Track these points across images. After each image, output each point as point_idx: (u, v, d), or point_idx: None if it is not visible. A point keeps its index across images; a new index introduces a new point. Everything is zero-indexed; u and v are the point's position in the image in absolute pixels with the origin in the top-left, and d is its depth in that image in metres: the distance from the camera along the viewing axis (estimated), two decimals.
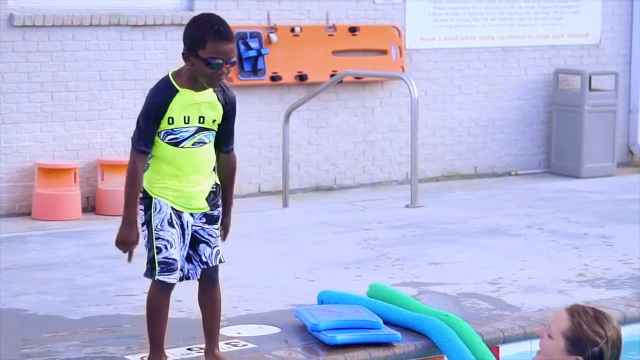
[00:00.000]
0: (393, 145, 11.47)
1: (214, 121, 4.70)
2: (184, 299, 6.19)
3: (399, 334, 5.38)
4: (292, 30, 10.83)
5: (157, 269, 4.72)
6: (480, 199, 9.68)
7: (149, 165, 4.74)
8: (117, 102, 10.04)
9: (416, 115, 9.30)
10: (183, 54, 4.63)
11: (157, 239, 4.70)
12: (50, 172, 9.59)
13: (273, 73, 10.69)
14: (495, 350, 5.47)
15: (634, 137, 12.86)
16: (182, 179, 4.70)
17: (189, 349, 5.23)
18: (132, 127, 10.61)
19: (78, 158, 9.90)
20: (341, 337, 5.27)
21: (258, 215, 9.00)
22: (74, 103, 9.92)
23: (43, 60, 9.75)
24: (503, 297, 6.27)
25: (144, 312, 5.92)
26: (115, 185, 9.71)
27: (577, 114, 11.95)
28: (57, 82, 9.83)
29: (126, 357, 5.14)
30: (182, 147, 4.66)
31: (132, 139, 4.69)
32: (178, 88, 4.62)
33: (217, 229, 4.84)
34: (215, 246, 4.84)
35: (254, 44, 10.58)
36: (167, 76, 4.68)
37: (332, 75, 10.66)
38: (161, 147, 4.68)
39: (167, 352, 5.15)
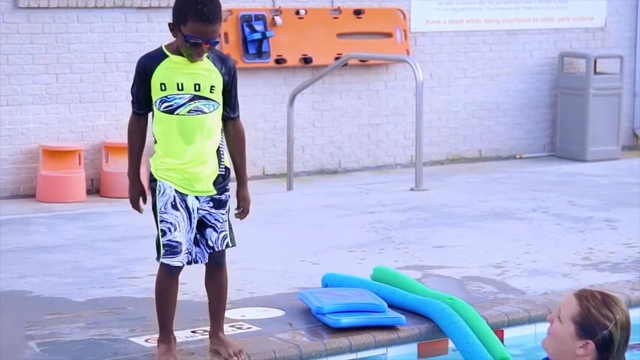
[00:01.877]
0: (398, 129, 11.45)
1: (212, 88, 4.66)
2: (189, 282, 6.19)
3: (403, 317, 5.38)
4: (297, 12, 10.81)
5: (162, 251, 4.72)
6: (484, 183, 9.67)
7: (155, 150, 4.75)
8: (121, 84, 10.02)
9: (421, 99, 9.29)
10: (169, 23, 4.69)
11: (161, 221, 4.69)
12: (55, 154, 9.59)
13: (278, 56, 10.67)
14: (499, 334, 5.46)
15: (639, 121, 12.84)
16: (183, 155, 4.67)
17: (193, 332, 5.23)
18: None
19: (83, 140, 9.90)
20: (345, 320, 5.27)
21: (262, 198, 8.99)
22: (79, 85, 9.92)
23: (48, 42, 9.74)
24: (507, 281, 6.27)
25: (147, 295, 5.94)
26: (119, 167, 9.70)
27: (582, 97, 11.92)
28: (61, 64, 9.82)
29: (130, 339, 5.15)
30: (177, 114, 4.64)
31: (131, 102, 4.80)
32: (168, 54, 4.66)
33: (224, 214, 4.82)
34: (223, 231, 4.82)
35: (258, 27, 10.55)
36: (160, 46, 4.76)
37: (336, 58, 10.64)
38: (159, 118, 4.69)
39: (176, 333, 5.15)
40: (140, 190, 4.84)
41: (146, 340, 5.10)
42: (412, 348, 5.35)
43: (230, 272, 5.79)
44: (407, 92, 11.36)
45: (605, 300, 3.67)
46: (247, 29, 10.50)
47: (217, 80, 4.68)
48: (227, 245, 4.86)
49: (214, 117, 4.71)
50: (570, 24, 12.39)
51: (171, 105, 4.65)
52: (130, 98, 4.79)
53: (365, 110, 11.30)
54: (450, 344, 5.36)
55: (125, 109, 10.01)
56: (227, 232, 4.84)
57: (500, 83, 12.03)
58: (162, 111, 4.67)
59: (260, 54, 10.56)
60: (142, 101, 4.73)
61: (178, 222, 4.69)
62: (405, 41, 11.33)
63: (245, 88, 10.54)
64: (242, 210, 4.96)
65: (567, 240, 7.34)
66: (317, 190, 9.66)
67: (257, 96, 10.61)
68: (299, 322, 5.43)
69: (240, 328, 5.33)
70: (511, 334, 5.58)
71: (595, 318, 3.63)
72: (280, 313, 5.58)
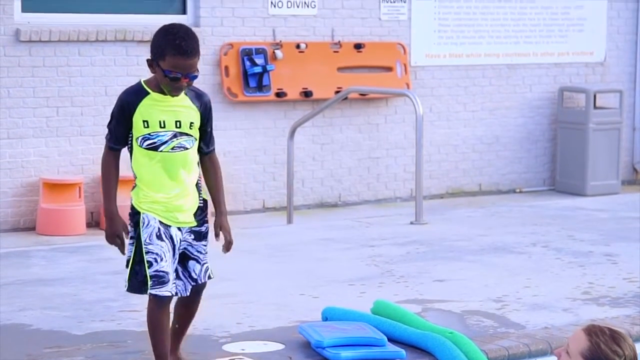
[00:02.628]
0: (398, 162, 11.47)
1: (191, 125, 4.73)
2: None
3: (403, 352, 5.37)
4: (298, 46, 10.85)
5: (150, 282, 4.74)
6: (484, 217, 9.68)
7: (135, 184, 4.79)
8: None
9: (421, 132, 9.31)
10: (147, 60, 4.73)
11: (147, 252, 4.71)
12: (55, 187, 9.60)
13: (278, 89, 10.71)
14: None
15: (639, 155, 12.86)
16: (168, 190, 4.72)
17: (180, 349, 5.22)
18: None
19: (83, 173, 9.91)
20: (345, 354, 5.26)
21: (262, 231, 9.00)
22: (80, 118, 9.94)
23: (49, 75, 9.77)
24: (508, 315, 6.26)
25: (147, 328, 5.93)
26: (119, 200, 9.69)
27: (581, 131, 11.95)
28: (62, 97, 9.85)
29: None
30: (161, 151, 4.69)
31: (105, 137, 4.81)
32: (149, 91, 4.71)
33: (205, 246, 4.87)
34: (205, 263, 4.87)
35: (259, 60, 10.59)
36: (139, 81, 4.80)
37: (337, 92, 10.67)
38: (142, 156, 4.73)
39: None
40: (123, 225, 4.85)
41: None
42: None
43: (229, 305, 5.79)
44: (407, 126, 11.39)
45: (614, 336, 3.72)
46: (247, 63, 10.54)
47: (196, 117, 4.76)
48: (209, 277, 4.89)
49: (194, 152, 4.81)
50: (570, 58, 12.43)
51: (154, 143, 4.70)
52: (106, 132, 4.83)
53: (365, 144, 11.32)
54: None
55: None
56: (208, 264, 4.88)
57: (500, 117, 12.05)
58: (145, 148, 4.71)
59: (260, 87, 10.59)
60: (120, 137, 4.76)
61: (164, 252, 4.71)
62: (406, 75, 11.37)
63: (245, 121, 10.58)
64: (226, 240, 4.93)
65: (567, 274, 7.33)
66: (317, 223, 9.66)
67: (258, 129, 10.63)
68: (298, 355, 5.42)
69: None
70: None
71: (605, 354, 3.68)
72: (280, 347, 5.57)
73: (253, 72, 10.53)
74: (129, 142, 4.77)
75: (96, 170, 9.97)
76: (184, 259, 4.82)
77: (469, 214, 9.88)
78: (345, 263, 7.67)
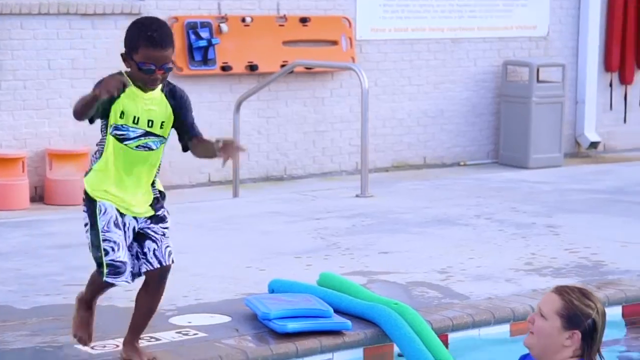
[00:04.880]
0: (343, 136, 11.51)
1: (162, 124, 4.70)
2: (134, 289, 6.19)
3: (349, 322, 5.41)
4: (243, 20, 10.83)
5: (105, 270, 4.74)
6: (429, 189, 9.75)
7: (91, 169, 4.77)
8: (66, 91, 9.97)
9: (366, 106, 9.34)
10: (121, 54, 4.66)
11: (104, 240, 4.70)
12: None
13: (223, 63, 10.68)
14: (444, 338, 5.52)
15: (581, 128, 13.01)
16: (122, 185, 4.70)
17: (139, 339, 5.21)
18: None
19: (26, 147, 9.84)
20: (292, 326, 5.29)
21: (208, 205, 9.00)
22: (22, 92, 9.85)
23: None
24: (452, 286, 6.33)
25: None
26: (64, 174, 9.66)
27: (525, 105, 12.06)
28: (5, 70, 9.75)
29: (76, 346, 5.12)
30: (125, 144, 4.67)
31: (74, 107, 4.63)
32: (130, 83, 4.63)
33: (165, 228, 4.85)
34: (166, 245, 4.84)
35: (204, 34, 10.56)
36: (120, 72, 4.68)
37: (282, 66, 10.67)
38: (109, 142, 4.69)
39: (117, 341, 5.14)
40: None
41: (92, 348, 5.08)
42: (358, 353, 5.38)
43: (176, 279, 5.79)
44: (353, 100, 11.42)
45: (584, 292, 3.98)
46: (192, 36, 10.50)
47: (168, 116, 4.72)
48: (173, 261, 4.88)
49: (157, 155, 4.76)
50: (513, 32, 12.53)
51: (123, 135, 4.67)
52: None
53: (310, 118, 11.34)
54: (396, 349, 5.41)
55: (69, 116, 9.94)
56: (171, 248, 4.86)
57: (445, 91, 12.13)
58: (113, 136, 4.68)
59: (206, 61, 10.57)
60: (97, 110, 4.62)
61: (121, 241, 4.70)
62: (351, 49, 11.39)
63: (190, 95, 10.49)
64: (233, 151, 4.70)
65: (510, 246, 7.42)
66: (263, 197, 9.67)
67: (203, 103, 10.61)
68: (245, 327, 5.45)
69: (186, 334, 5.33)
70: (456, 338, 5.63)
71: (579, 309, 3.90)
72: (226, 319, 5.59)
73: (198, 45, 10.50)
74: (103, 125, 4.70)
75: (39, 144, 9.91)
76: (142, 239, 4.81)
77: (413, 186, 9.95)
78: (292, 236, 7.70)
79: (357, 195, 9.31)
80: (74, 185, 9.54)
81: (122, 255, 4.71)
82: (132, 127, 4.65)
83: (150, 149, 4.71)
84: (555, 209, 8.75)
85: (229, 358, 5.05)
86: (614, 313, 6.04)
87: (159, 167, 4.85)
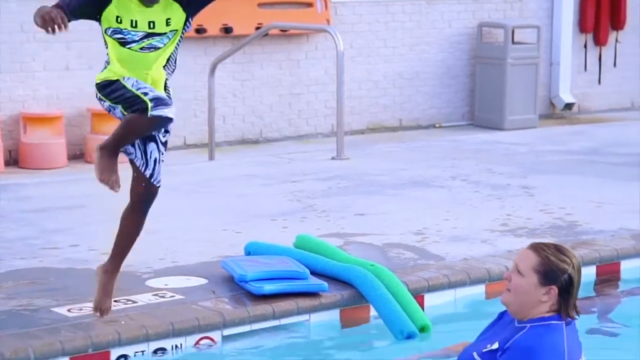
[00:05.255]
0: (318, 98, 11.49)
1: (168, 22, 4.52)
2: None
3: (325, 284, 5.43)
4: None
5: (150, 104, 4.47)
6: (405, 151, 9.76)
7: (107, 63, 4.62)
8: (39, 54, 9.90)
9: (342, 68, 9.32)
10: None
11: (138, 89, 4.49)
12: None
13: (198, 26, 10.62)
14: (420, 299, 5.55)
15: (555, 90, 13.04)
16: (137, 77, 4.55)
17: (115, 301, 5.22)
18: (55, 79, 10.47)
19: (0, 111, 9.77)
20: (268, 288, 5.31)
21: (184, 168, 8.98)
22: None
23: None
24: (428, 247, 6.36)
25: (69, 265, 5.93)
26: (38, 138, 9.61)
27: (500, 66, 12.07)
28: None
29: (53, 309, 5.12)
30: (128, 48, 4.52)
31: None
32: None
33: (166, 142, 4.77)
34: (161, 161, 4.75)
35: None
36: None
37: (257, 28, 10.63)
38: (110, 44, 4.54)
39: (88, 304, 5.13)
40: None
41: (69, 310, 5.09)
42: (334, 314, 5.41)
43: (152, 242, 5.80)
44: (328, 62, 11.39)
45: (559, 247, 4.02)
46: None
47: (174, 11, 4.53)
48: (159, 186, 4.79)
49: (166, 52, 4.60)
50: None
51: (124, 39, 4.52)
52: None
53: (286, 80, 11.31)
54: (372, 310, 5.43)
55: (43, 79, 9.91)
56: (161, 171, 4.77)
57: (420, 53, 12.12)
58: (114, 39, 4.51)
59: None
60: (76, 9, 4.45)
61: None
62: (326, 11, 11.35)
63: None
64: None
65: (485, 207, 7.45)
66: (238, 160, 9.66)
67: (178, 67, 10.52)
68: (222, 290, 5.46)
69: (163, 297, 5.34)
70: (431, 299, 5.66)
71: (555, 264, 3.94)
72: (203, 281, 5.60)
73: None
74: (102, 31, 4.51)
75: (13, 107, 9.84)
76: (148, 140, 4.69)
77: (389, 149, 9.97)
78: (268, 198, 7.71)
79: (333, 158, 9.32)
80: (48, 149, 9.50)
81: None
82: (131, 31, 4.48)
83: (156, 48, 4.55)
84: (530, 170, 8.79)
85: (205, 320, 5.06)
86: (588, 273, 6.08)
87: (175, 62, 4.68)
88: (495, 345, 3.98)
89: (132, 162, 4.81)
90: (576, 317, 3.99)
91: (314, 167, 8.88)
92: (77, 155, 9.93)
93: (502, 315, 4.17)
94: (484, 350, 4.02)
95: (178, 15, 4.56)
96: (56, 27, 4.35)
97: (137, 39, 4.53)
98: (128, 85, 4.52)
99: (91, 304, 5.08)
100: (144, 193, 4.81)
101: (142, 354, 4.87)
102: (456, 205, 7.49)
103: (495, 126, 11.99)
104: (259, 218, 7.08)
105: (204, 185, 8.17)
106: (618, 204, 7.48)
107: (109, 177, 4.69)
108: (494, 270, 5.84)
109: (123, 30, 4.51)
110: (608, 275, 6.21)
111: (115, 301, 5.21)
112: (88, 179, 8.61)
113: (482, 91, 12.25)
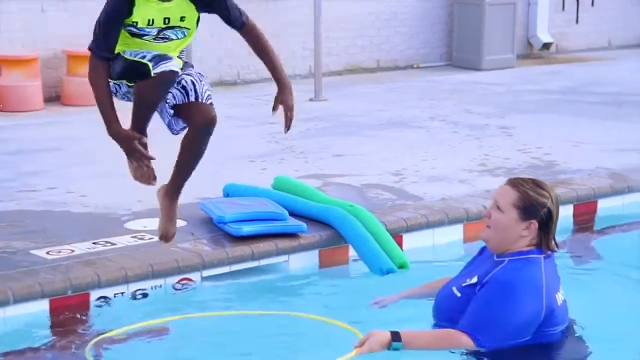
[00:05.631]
0: (296, 40, 11.42)
1: (182, 19, 4.38)
2: (89, 194, 6.18)
3: (304, 225, 5.44)
4: None
5: (150, 64, 4.28)
6: (383, 92, 9.75)
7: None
8: None
9: (319, 9, 9.26)
10: None
11: (135, 56, 4.32)
12: None
13: None
14: (398, 239, 5.57)
15: (533, 29, 13.01)
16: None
17: (94, 243, 5.22)
18: (30, 21, 10.32)
19: None
20: (247, 229, 5.31)
21: None
22: None
23: None
24: (406, 187, 6.37)
25: (46, 208, 5.92)
26: (14, 80, 9.52)
27: (477, 6, 12.02)
28: None
29: (31, 251, 5.12)
30: (144, 39, 4.35)
31: (90, 46, 4.32)
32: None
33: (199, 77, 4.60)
34: (203, 83, 4.58)
35: None
36: None
37: None
38: (125, 36, 4.35)
39: (73, 246, 5.14)
40: (132, 134, 4.43)
41: (47, 253, 5.08)
42: (313, 255, 5.42)
43: (130, 183, 5.76)
44: (305, 2, 11.31)
45: (536, 182, 4.07)
46: None
47: (188, 9, 4.39)
48: (211, 103, 4.62)
49: (180, 43, 4.47)
50: None
51: (138, 33, 4.34)
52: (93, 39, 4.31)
53: (262, 21, 11.21)
54: (351, 251, 5.45)
55: (18, 22, 9.80)
56: (210, 91, 4.62)
57: None
58: (127, 32, 4.33)
59: None
60: (112, 46, 4.30)
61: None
62: None
63: None
64: (286, 117, 4.50)
65: (463, 147, 7.46)
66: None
67: None
68: (201, 231, 5.46)
69: (142, 238, 5.34)
70: (410, 239, 5.68)
71: (534, 199, 3.99)
72: (182, 223, 5.59)
73: None
74: None
75: None
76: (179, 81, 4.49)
77: (367, 90, 9.95)
78: (246, 140, 7.69)
79: (310, 99, 9.30)
80: (24, 91, 9.43)
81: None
82: (147, 28, 4.33)
83: (169, 39, 4.41)
84: (508, 110, 8.79)
85: (185, 262, 5.07)
86: (565, 212, 6.12)
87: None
88: (474, 280, 4.01)
89: (177, 109, 4.56)
90: (556, 249, 4.03)
91: None
92: (53, 97, 9.86)
93: (482, 250, 4.20)
94: (463, 285, 4.05)
95: (191, 13, 4.41)
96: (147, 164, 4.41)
97: (153, 34, 4.37)
98: (126, 56, 4.35)
99: (69, 247, 5.08)
100: (201, 118, 4.60)
101: (122, 295, 4.87)
102: (434, 146, 7.50)
103: (473, 66, 11.98)
104: (237, 160, 7.07)
105: None
106: (595, 143, 7.51)
107: (141, 170, 4.61)
108: (472, 210, 5.86)
109: (138, 28, 4.34)
110: (585, 214, 6.25)
111: (93, 243, 5.21)
112: (64, 122, 8.59)
113: (460, 31, 12.21)
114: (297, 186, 5.95)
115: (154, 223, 5.58)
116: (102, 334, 4.35)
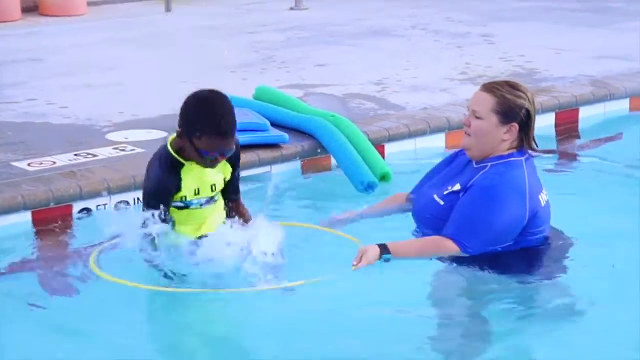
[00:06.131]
0: None
1: (223, 180, 4.25)
2: (69, 106, 6.15)
3: (286, 135, 5.44)
4: None
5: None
6: (363, 0, 9.67)
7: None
8: None
9: None
10: (177, 131, 4.05)
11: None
12: None
13: None
14: (380, 149, 5.57)
15: None
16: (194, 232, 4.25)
17: (75, 155, 5.21)
18: None
19: None
20: None
21: (141, 20, 8.86)
22: None
23: None
24: (388, 97, 6.35)
25: (26, 119, 5.90)
26: None
27: None
28: None
29: (12, 163, 5.10)
30: (191, 208, 4.18)
31: (147, 218, 4.07)
32: (183, 162, 4.06)
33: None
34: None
35: None
36: (168, 150, 4.06)
37: None
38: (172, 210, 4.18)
39: (54, 158, 5.12)
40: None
41: (29, 165, 5.07)
42: (295, 165, 5.43)
43: (111, 95, 5.75)
44: None
45: (511, 84, 4.05)
46: None
47: (228, 172, 4.25)
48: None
49: (221, 201, 4.30)
50: None
51: (184, 206, 4.18)
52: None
53: None
54: (333, 161, 5.45)
55: None
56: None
57: None
58: (173, 207, 4.16)
59: None
60: (166, 210, 4.09)
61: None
62: None
63: None
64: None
65: (445, 56, 7.44)
66: (195, 10, 9.53)
67: None
68: None
69: (123, 150, 5.32)
70: (392, 148, 5.69)
71: (513, 101, 3.99)
72: (163, 134, 5.58)
73: None
74: None
75: None
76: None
77: None
78: (227, 50, 7.64)
79: (291, 8, 9.22)
80: (1, 1, 9.31)
81: None
82: (194, 199, 4.17)
83: (214, 200, 4.23)
84: (490, 18, 8.75)
85: None
86: (547, 120, 6.14)
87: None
88: (457, 187, 4.02)
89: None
90: (536, 147, 4.04)
91: (272, 18, 8.79)
92: (30, 7, 9.74)
93: (455, 156, 4.21)
94: (445, 193, 4.06)
95: (227, 169, 4.25)
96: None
97: (200, 204, 4.21)
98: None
99: (51, 158, 5.07)
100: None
101: (104, 207, 4.88)
102: (416, 55, 7.47)
103: None
104: (218, 70, 7.03)
105: (162, 38, 8.08)
106: (577, 51, 7.49)
107: None
108: (453, 119, 5.86)
109: (185, 201, 4.18)
110: (567, 122, 6.26)
111: (75, 155, 5.20)
112: (43, 32, 8.50)
113: None
114: (279, 96, 5.93)
115: (135, 134, 5.58)
116: (98, 244, 4.27)
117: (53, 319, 3.81)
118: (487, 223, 3.91)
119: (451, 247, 3.94)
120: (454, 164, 4.20)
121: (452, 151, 4.41)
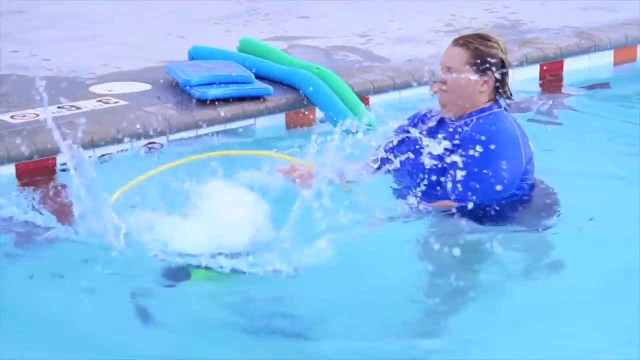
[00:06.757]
0: None
1: None
2: (52, 58, 6.12)
3: (270, 88, 5.42)
4: None
5: None
6: None
7: None
8: None
9: None
10: None
11: None
12: None
13: None
14: (365, 101, 5.57)
15: None
16: None
17: (59, 107, 5.19)
18: None
19: None
20: (213, 92, 5.29)
21: None
22: None
23: None
24: (372, 49, 6.34)
25: (10, 72, 5.87)
26: None
27: None
28: None
29: None
30: None
31: None
32: None
33: None
34: None
35: None
36: None
37: None
38: None
39: (37, 110, 5.10)
40: None
41: (12, 117, 5.05)
42: (279, 118, 5.42)
43: (94, 47, 5.72)
44: None
45: (481, 35, 4.06)
46: None
47: None
48: None
49: None
50: None
51: None
52: None
53: None
54: (318, 114, 5.45)
55: None
56: None
57: None
58: None
59: None
60: None
61: None
62: None
63: None
64: None
65: (430, 7, 7.41)
66: None
67: None
68: (166, 95, 5.44)
69: (107, 102, 5.31)
70: (376, 100, 5.69)
71: (486, 52, 3.99)
72: (147, 87, 5.57)
73: None
74: None
75: None
76: None
77: None
78: (210, 2, 7.60)
79: None
80: None
81: None
82: None
83: None
84: None
85: (151, 125, 5.05)
86: (532, 72, 6.14)
87: None
88: (447, 144, 3.99)
89: None
90: (511, 97, 4.03)
91: None
92: None
93: (422, 118, 4.15)
94: (436, 153, 4.02)
95: None
96: None
97: None
98: None
99: (34, 111, 5.05)
100: None
101: (89, 159, 4.86)
102: (401, 7, 7.44)
103: None
104: (202, 22, 7.00)
105: None
106: (562, 1, 7.47)
107: None
108: (438, 71, 5.84)
109: None
110: (552, 73, 6.26)
111: (58, 107, 5.18)
112: None
113: None
114: (263, 48, 5.90)
115: (119, 87, 5.56)
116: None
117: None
118: (498, 176, 3.89)
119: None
120: (428, 125, 4.12)
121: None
